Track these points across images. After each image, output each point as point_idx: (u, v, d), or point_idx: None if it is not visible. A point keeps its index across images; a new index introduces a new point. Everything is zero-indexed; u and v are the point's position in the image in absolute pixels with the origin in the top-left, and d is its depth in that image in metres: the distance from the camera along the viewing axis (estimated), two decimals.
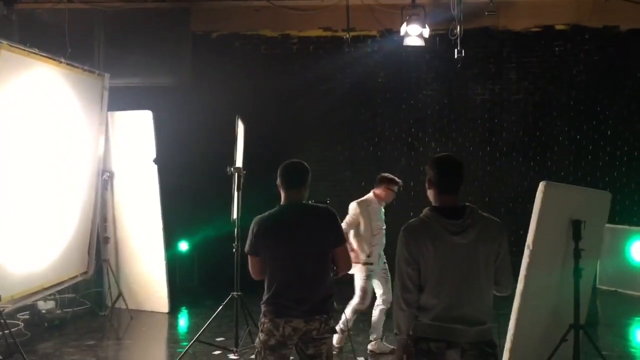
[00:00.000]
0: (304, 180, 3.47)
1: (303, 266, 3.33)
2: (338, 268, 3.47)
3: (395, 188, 5.94)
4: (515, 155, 9.44)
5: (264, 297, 3.41)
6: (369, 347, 5.99)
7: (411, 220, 2.99)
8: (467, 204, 2.97)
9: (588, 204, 4.86)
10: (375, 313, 5.94)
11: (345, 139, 9.65)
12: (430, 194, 3.04)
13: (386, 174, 5.98)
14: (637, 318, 7.68)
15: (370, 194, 5.99)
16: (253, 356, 3.57)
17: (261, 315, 3.42)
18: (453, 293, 2.87)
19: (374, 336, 5.97)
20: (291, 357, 3.43)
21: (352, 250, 5.66)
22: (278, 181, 3.47)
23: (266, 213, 3.45)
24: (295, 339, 3.32)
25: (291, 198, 3.44)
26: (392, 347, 5.77)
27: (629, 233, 8.67)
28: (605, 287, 8.55)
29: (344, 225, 5.51)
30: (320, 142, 9.59)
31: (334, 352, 3.61)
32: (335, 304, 3.49)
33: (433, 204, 3.02)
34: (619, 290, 8.54)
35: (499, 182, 9.50)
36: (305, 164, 3.54)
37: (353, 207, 5.87)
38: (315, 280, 3.35)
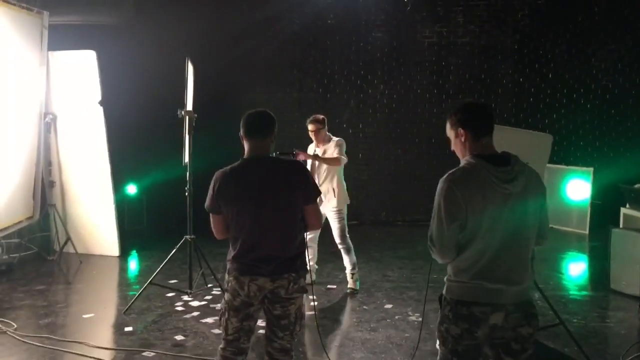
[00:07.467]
0: (270, 131, 3.16)
1: (269, 225, 3.07)
2: (308, 226, 3.22)
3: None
4: (461, 97, 9.62)
5: (229, 255, 3.19)
6: None
7: (452, 170, 2.59)
8: (505, 151, 2.64)
9: (531, 145, 5.06)
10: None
11: (294, 80, 9.60)
12: (460, 144, 2.67)
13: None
14: (570, 252, 8.18)
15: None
16: (217, 317, 3.34)
17: (226, 273, 3.23)
18: (502, 248, 2.53)
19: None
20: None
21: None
22: (241, 132, 3.18)
23: (228, 167, 3.14)
24: (260, 298, 3.13)
25: (256, 150, 3.14)
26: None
27: (565, 172, 9.13)
28: None
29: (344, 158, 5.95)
30: (269, 83, 9.52)
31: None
32: (306, 262, 3.27)
33: (468, 153, 2.64)
34: (555, 226, 9.01)
35: (445, 123, 9.68)
36: (272, 113, 3.23)
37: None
38: (283, 239, 3.11)
